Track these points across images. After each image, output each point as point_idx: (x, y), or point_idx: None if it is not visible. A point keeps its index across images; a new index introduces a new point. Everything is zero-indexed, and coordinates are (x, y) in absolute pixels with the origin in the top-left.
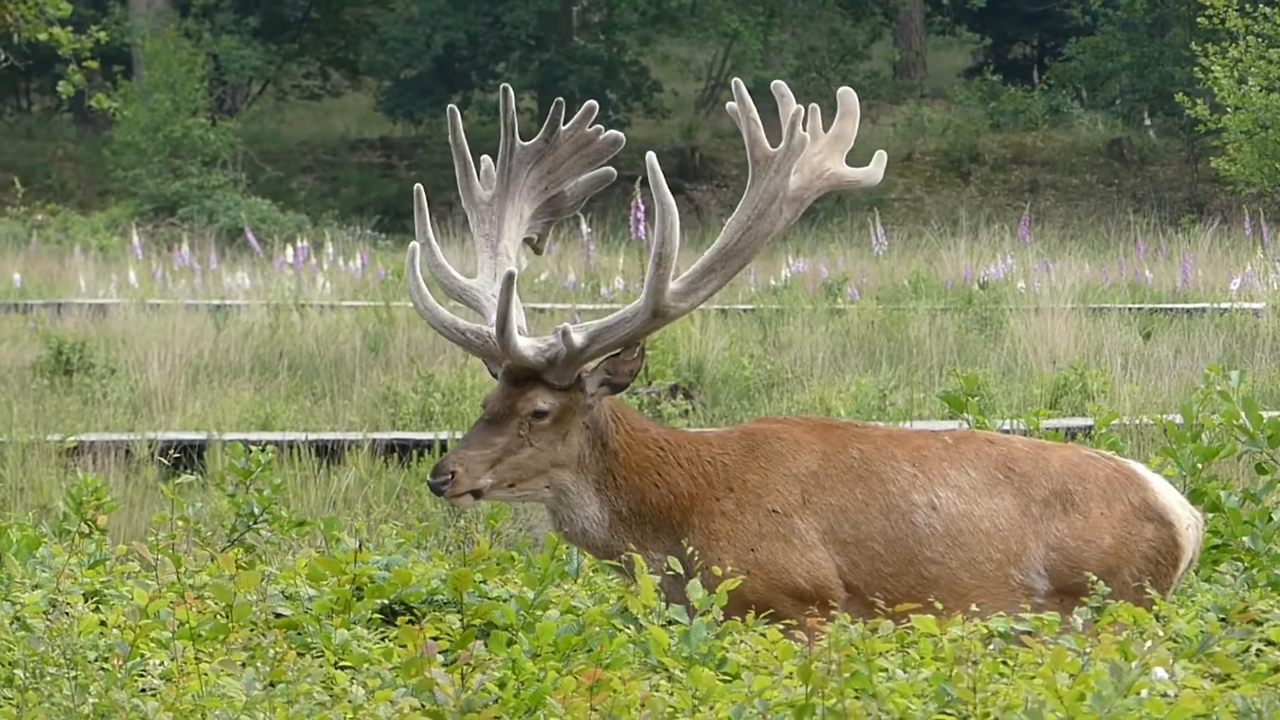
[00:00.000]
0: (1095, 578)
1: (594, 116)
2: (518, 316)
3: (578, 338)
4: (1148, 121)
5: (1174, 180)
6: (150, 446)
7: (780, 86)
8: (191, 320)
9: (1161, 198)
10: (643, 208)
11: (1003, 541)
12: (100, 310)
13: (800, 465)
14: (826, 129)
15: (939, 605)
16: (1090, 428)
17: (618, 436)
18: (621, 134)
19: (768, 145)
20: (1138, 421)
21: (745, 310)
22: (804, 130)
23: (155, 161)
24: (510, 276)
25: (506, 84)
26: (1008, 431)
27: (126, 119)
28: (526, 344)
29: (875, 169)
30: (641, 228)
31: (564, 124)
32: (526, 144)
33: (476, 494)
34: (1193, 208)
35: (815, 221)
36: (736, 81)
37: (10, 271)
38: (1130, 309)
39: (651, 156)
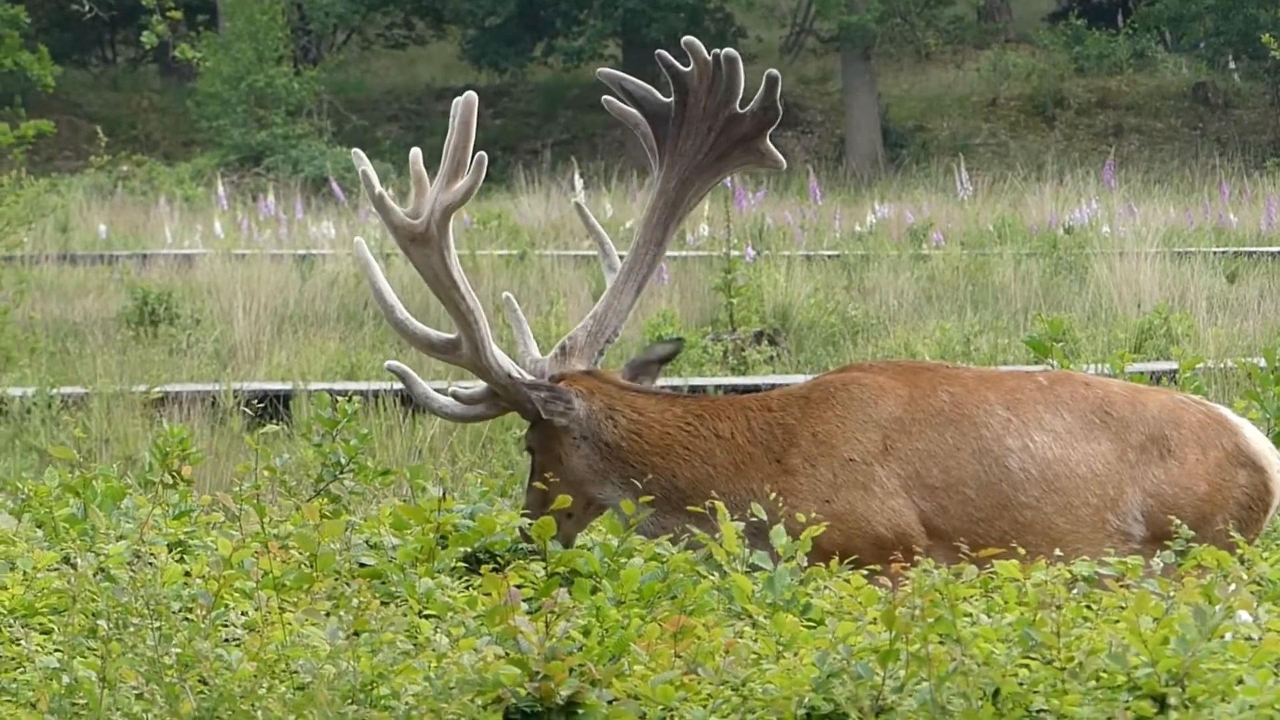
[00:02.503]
0: (1185, 524)
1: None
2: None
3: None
4: (1232, 65)
5: (1258, 123)
6: (235, 397)
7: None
8: (277, 270)
9: (1246, 141)
10: None
11: (1099, 486)
12: (185, 261)
13: (882, 411)
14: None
15: (1021, 550)
16: (1175, 371)
17: (616, 430)
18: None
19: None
20: (1222, 365)
21: (830, 256)
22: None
23: (239, 111)
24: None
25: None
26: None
27: (210, 69)
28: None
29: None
30: None
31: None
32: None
33: (564, 536)
34: (1277, 151)
35: (900, 167)
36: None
37: (96, 223)
38: (1215, 253)
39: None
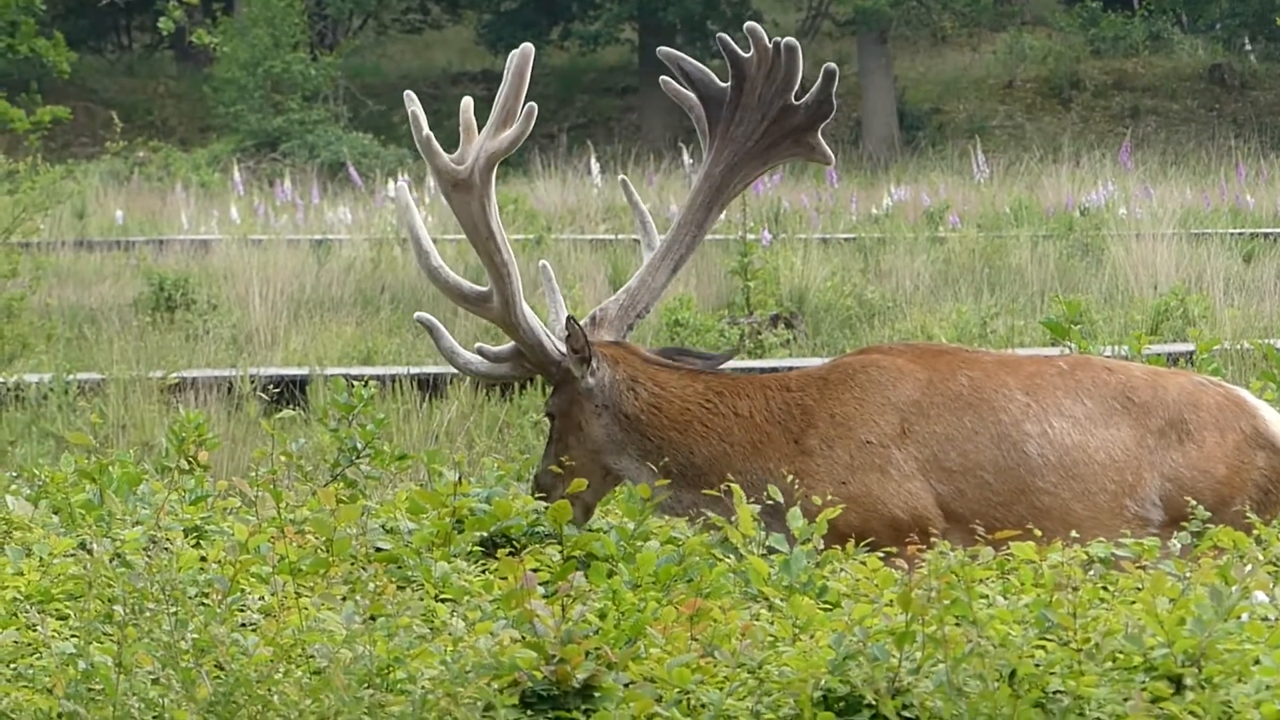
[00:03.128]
0: (1201, 506)
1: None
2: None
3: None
4: (1248, 46)
5: (1275, 104)
6: (252, 382)
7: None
8: (293, 255)
9: (1263, 122)
10: None
11: (1118, 473)
12: (202, 246)
13: (900, 394)
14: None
15: (1038, 533)
16: (1192, 353)
17: (637, 401)
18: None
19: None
20: (1239, 346)
21: (846, 239)
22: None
23: (256, 97)
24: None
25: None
26: (1109, 357)
27: (227, 55)
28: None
29: None
30: None
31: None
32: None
33: (583, 507)
34: None
35: (916, 150)
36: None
37: (113, 209)
38: (1232, 234)
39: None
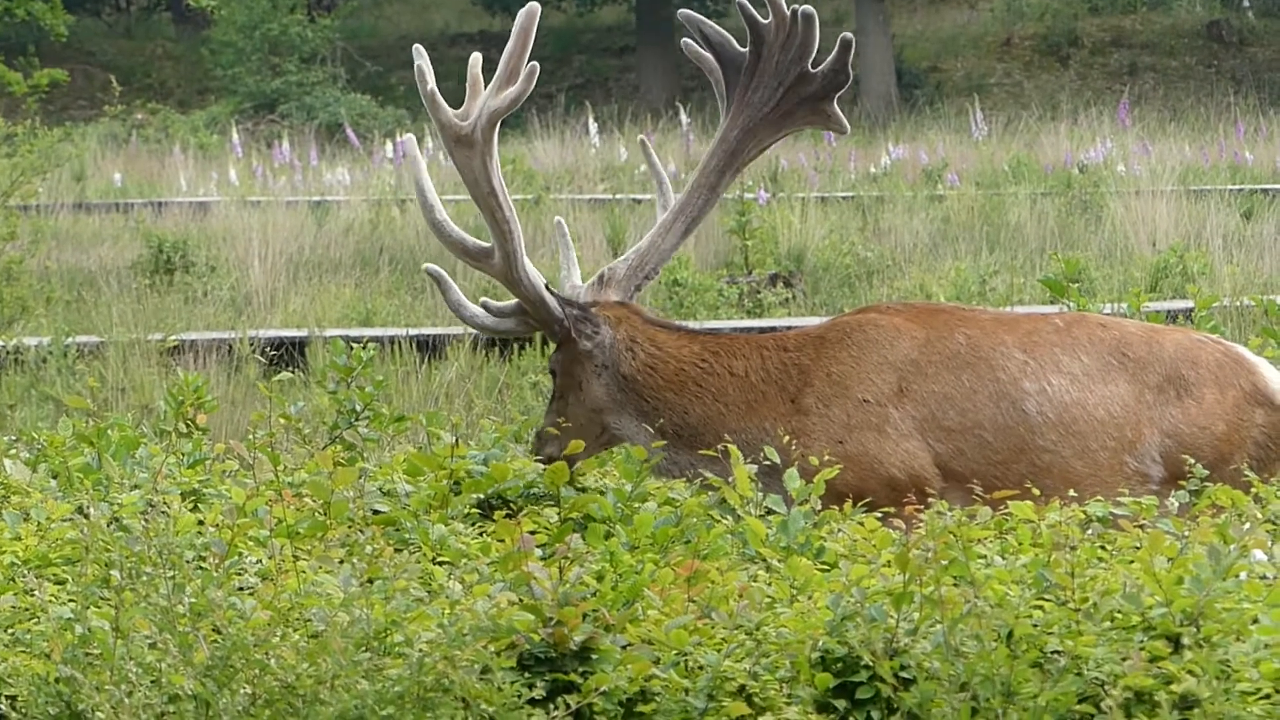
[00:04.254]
0: (1199, 463)
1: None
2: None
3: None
4: (1246, 2)
5: (1273, 61)
6: (251, 345)
7: None
8: (292, 217)
9: (1261, 79)
10: None
11: (1117, 429)
12: (201, 208)
13: (898, 353)
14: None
15: (1038, 493)
16: (1191, 310)
17: (634, 361)
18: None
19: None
20: (1238, 303)
21: (845, 198)
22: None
23: (254, 59)
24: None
25: None
26: (1108, 314)
27: (224, 17)
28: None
29: None
30: None
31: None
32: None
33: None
34: None
35: (914, 108)
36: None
37: (111, 171)
38: (1230, 190)
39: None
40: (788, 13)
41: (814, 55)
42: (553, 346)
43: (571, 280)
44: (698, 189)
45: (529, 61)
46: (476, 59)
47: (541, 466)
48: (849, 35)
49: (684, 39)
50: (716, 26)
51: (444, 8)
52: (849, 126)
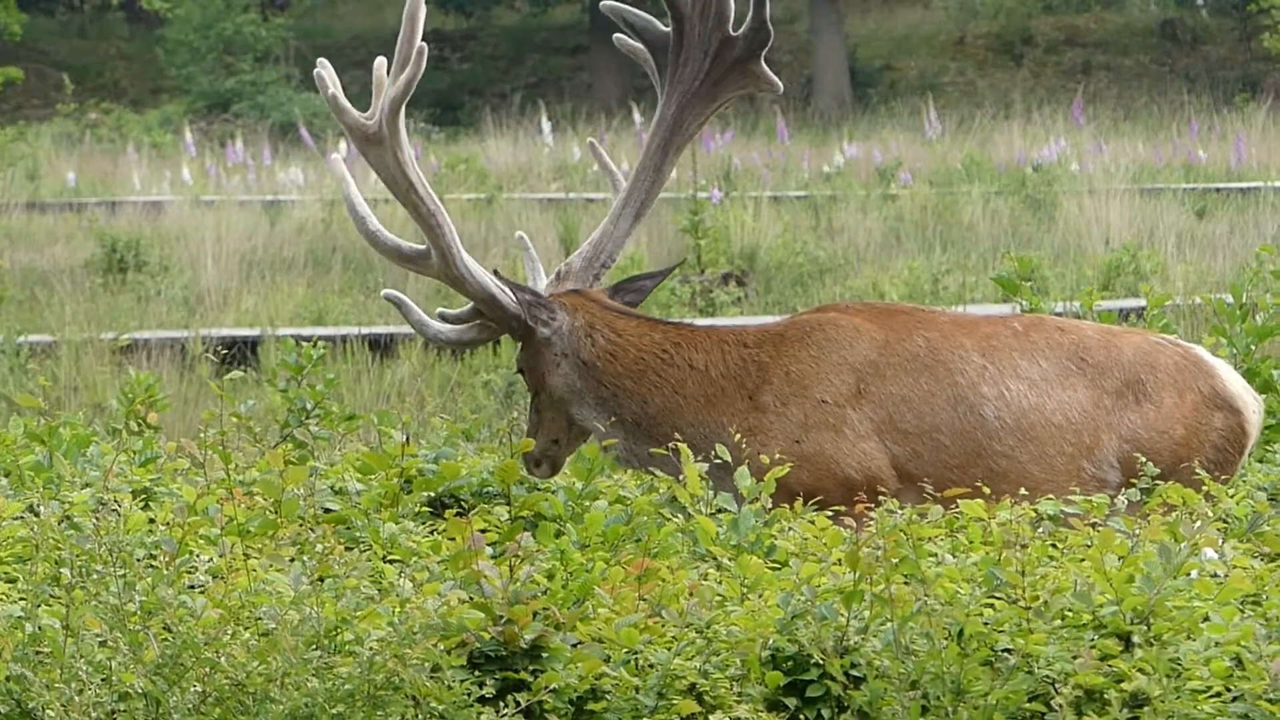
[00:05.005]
0: (1158, 468)
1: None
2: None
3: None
4: (1200, 1)
5: (1227, 59)
6: (204, 343)
7: None
8: (245, 217)
9: (1215, 77)
10: None
11: (1075, 435)
12: (154, 208)
13: (857, 354)
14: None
15: (986, 490)
16: (1143, 308)
17: (594, 347)
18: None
19: None
20: (1191, 302)
21: (798, 197)
22: None
23: (208, 59)
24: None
25: None
26: (1060, 314)
27: (178, 17)
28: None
29: None
30: None
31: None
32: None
33: (549, 462)
34: (1246, 87)
35: (868, 107)
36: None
37: (64, 170)
38: (1184, 189)
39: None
40: None
41: (732, 18)
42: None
43: (539, 285)
44: (643, 171)
45: (420, 45)
46: (380, 62)
47: (492, 466)
48: None
49: (615, 34)
50: (638, 12)
51: (397, 6)
52: (780, 84)
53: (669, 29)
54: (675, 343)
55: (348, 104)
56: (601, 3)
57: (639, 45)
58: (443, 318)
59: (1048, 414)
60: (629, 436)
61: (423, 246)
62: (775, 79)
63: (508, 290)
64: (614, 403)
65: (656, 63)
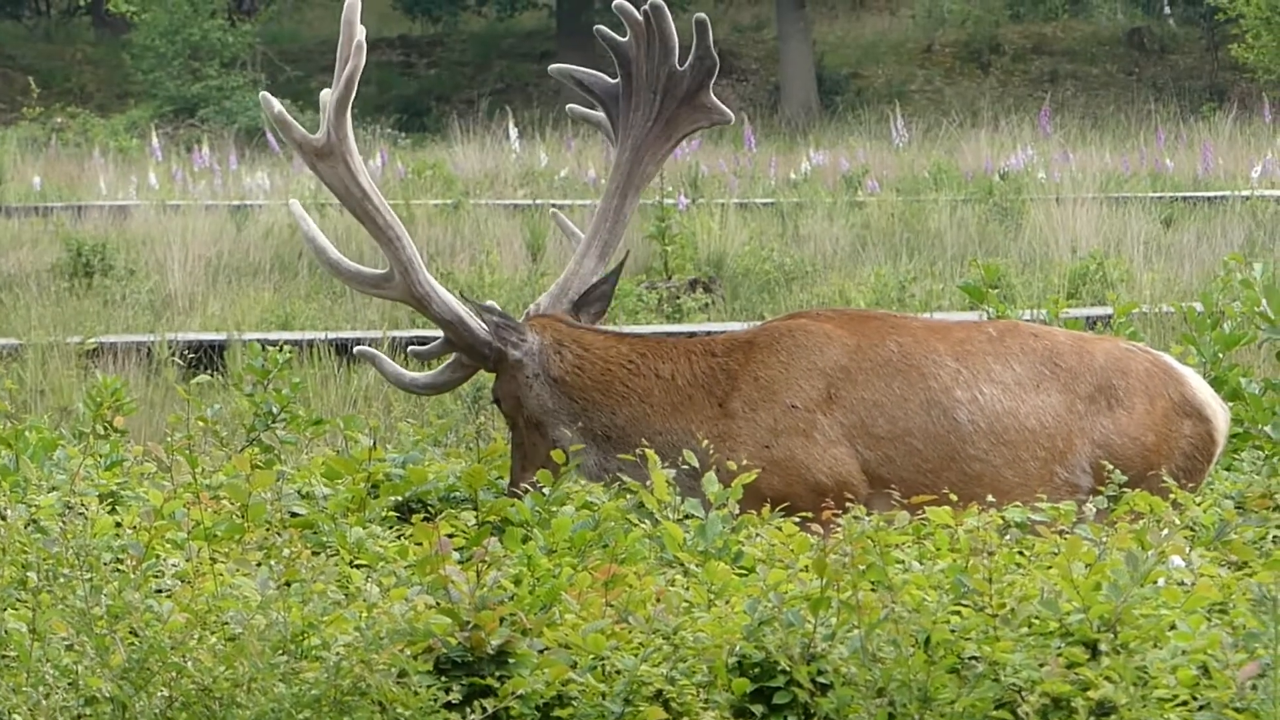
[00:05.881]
0: (1128, 474)
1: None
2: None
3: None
4: (1167, 10)
5: (1194, 69)
6: (170, 348)
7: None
8: (211, 221)
9: (1182, 86)
10: None
11: (1048, 439)
12: (120, 212)
13: (827, 359)
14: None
15: (954, 498)
16: (1110, 316)
17: (562, 363)
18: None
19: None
20: (1158, 310)
21: (765, 204)
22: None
23: (174, 64)
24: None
25: None
26: (1028, 321)
27: (145, 22)
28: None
29: None
30: None
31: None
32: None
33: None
34: (1213, 96)
35: (835, 115)
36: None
37: (30, 175)
38: (1151, 198)
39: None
40: (640, 16)
41: (677, 50)
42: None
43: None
44: (603, 216)
45: (358, 40)
46: (326, 92)
47: (459, 471)
48: (702, 16)
49: (569, 105)
50: (585, 70)
51: (364, 12)
52: (731, 115)
53: (617, 80)
54: (641, 353)
55: (293, 120)
56: (550, 66)
57: (596, 113)
58: (414, 353)
59: (1021, 418)
60: (600, 451)
61: (384, 270)
62: (726, 110)
63: (474, 311)
64: (585, 417)
65: (609, 115)
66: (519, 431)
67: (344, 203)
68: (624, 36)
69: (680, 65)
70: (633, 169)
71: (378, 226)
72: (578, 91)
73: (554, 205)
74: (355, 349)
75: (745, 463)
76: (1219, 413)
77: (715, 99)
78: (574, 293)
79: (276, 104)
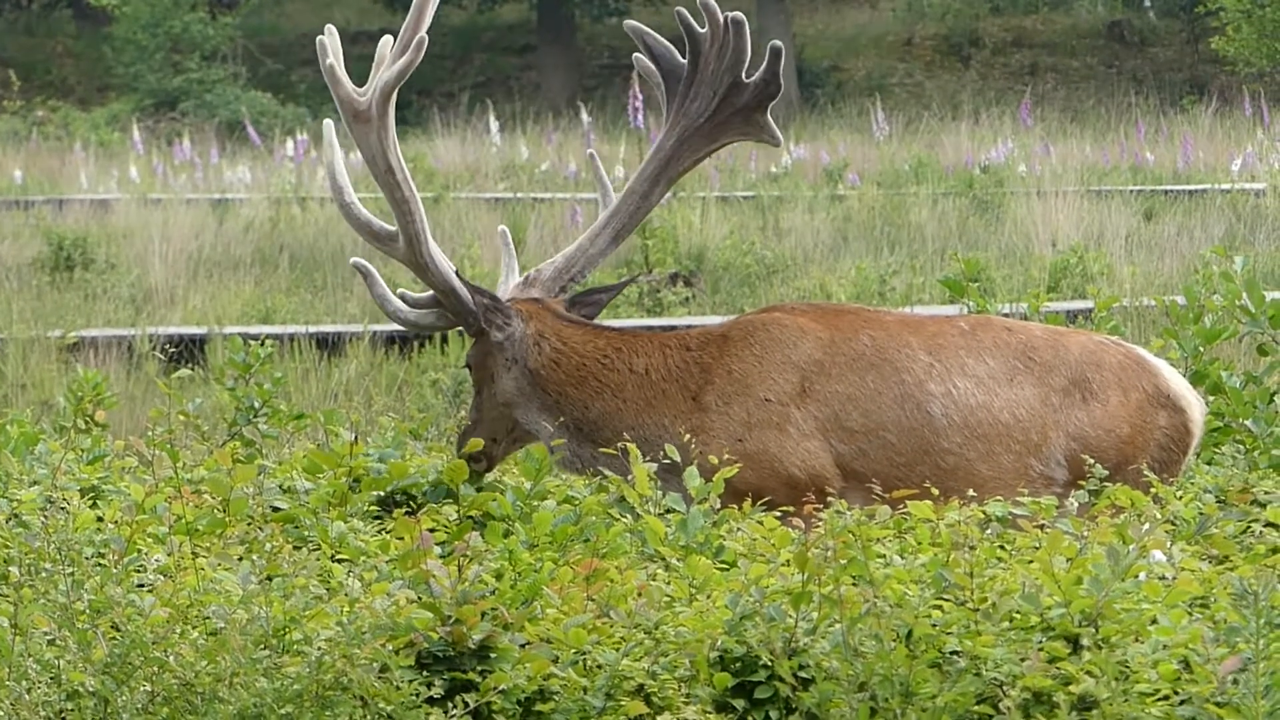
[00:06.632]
0: (1107, 467)
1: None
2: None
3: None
4: (1147, 3)
5: (1174, 61)
6: (151, 341)
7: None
8: (192, 215)
9: (1162, 79)
10: (641, 96)
11: (1023, 432)
12: (101, 206)
13: (801, 353)
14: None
15: (935, 491)
16: (1091, 310)
17: (540, 355)
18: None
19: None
20: (1139, 303)
21: (746, 197)
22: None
23: (156, 57)
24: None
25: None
26: (1007, 315)
27: (126, 15)
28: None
29: None
30: (640, 116)
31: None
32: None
33: (486, 459)
34: (1193, 89)
35: (816, 108)
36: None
37: (11, 168)
38: (1132, 191)
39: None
40: (721, 19)
41: (747, 64)
42: (469, 343)
43: (509, 284)
44: (630, 195)
45: (420, 36)
46: (386, 40)
47: (440, 465)
48: (778, 44)
49: (635, 54)
50: (660, 38)
51: (345, 5)
52: (780, 138)
53: (685, 61)
54: (616, 348)
55: (344, 76)
56: (625, 23)
57: (654, 70)
58: (404, 298)
59: (995, 411)
60: (573, 440)
61: (393, 228)
62: (777, 133)
63: (468, 290)
64: (557, 409)
65: (667, 90)
66: (480, 398)
67: (370, 167)
68: (702, 26)
69: (746, 79)
70: (673, 157)
71: (395, 197)
72: (641, 53)
73: (534, 197)
74: (351, 260)
75: (725, 457)
76: (1194, 404)
77: (770, 120)
78: (578, 269)
79: (331, 54)
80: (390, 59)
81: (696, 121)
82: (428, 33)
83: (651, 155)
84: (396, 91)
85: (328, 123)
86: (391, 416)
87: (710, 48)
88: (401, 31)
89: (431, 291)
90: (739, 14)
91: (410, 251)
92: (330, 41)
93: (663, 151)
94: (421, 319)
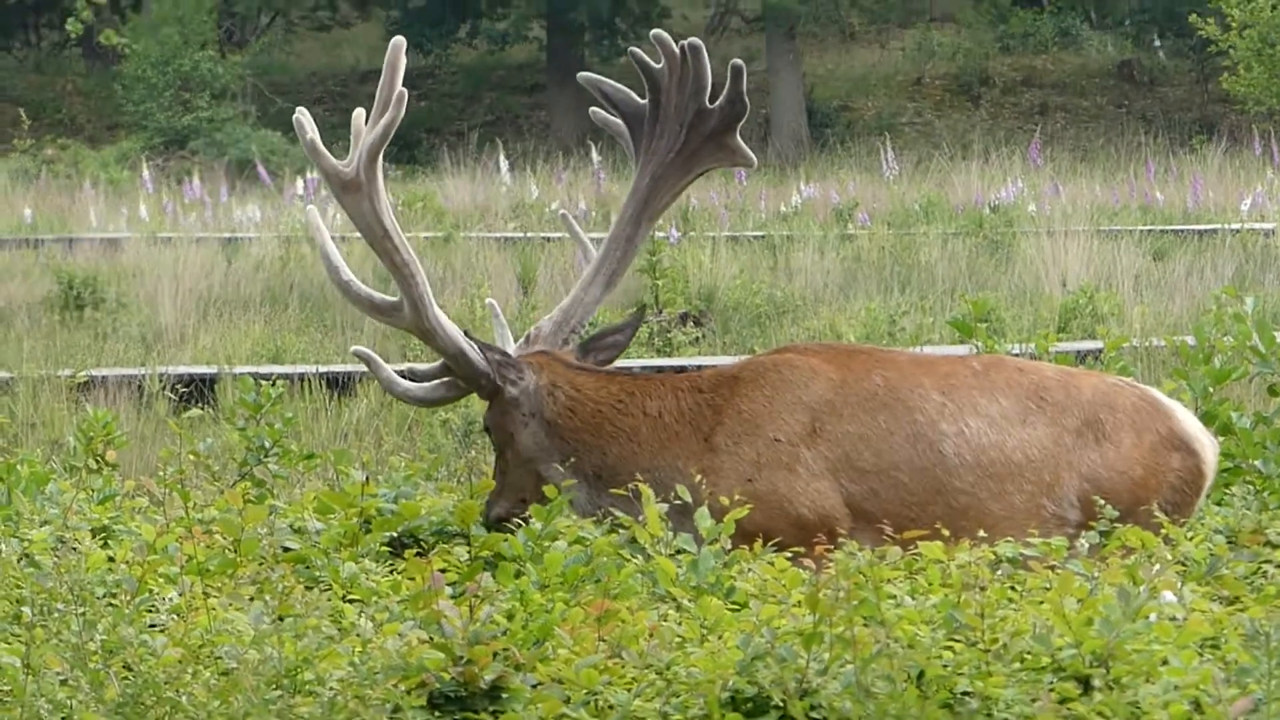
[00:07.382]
0: (1116, 508)
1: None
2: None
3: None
4: (1157, 42)
5: (1184, 101)
6: (161, 381)
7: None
8: (202, 254)
9: (1171, 119)
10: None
11: (1035, 472)
12: (111, 245)
13: (812, 393)
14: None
15: (946, 532)
16: (1100, 351)
17: (555, 405)
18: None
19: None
20: (1148, 344)
21: (756, 237)
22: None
23: (165, 95)
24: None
25: None
26: (1017, 355)
27: (136, 53)
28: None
29: None
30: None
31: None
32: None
33: (506, 519)
34: (1203, 128)
35: (825, 147)
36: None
37: (21, 207)
38: (1142, 230)
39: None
40: (676, 50)
41: (709, 89)
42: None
43: (508, 349)
44: (615, 242)
45: (399, 91)
46: (359, 113)
47: (451, 505)
48: (738, 62)
49: (592, 108)
50: (615, 84)
51: (355, 45)
52: (755, 159)
53: (645, 101)
54: (630, 392)
55: (325, 150)
56: (579, 74)
57: (617, 121)
58: (412, 374)
59: (1008, 451)
60: (591, 489)
61: (394, 298)
62: (750, 153)
63: (478, 349)
64: (575, 457)
65: (632, 135)
66: (504, 460)
67: (364, 235)
68: (657, 62)
69: (710, 104)
70: (650, 197)
71: (394, 263)
72: (601, 103)
73: (544, 237)
74: (352, 348)
75: (735, 497)
76: (1207, 446)
77: (741, 142)
78: (576, 320)
79: (310, 130)
80: (372, 120)
81: (667, 157)
82: (425, 73)
83: (629, 198)
84: (381, 159)
85: (310, 208)
86: (402, 456)
87: (670, 80)
88: (378, 90)
89: (437, 363)
90: (695, 40)
91: (416, 317)
92: (306, 119)
93: (639, 192)
94: (430, 394)
